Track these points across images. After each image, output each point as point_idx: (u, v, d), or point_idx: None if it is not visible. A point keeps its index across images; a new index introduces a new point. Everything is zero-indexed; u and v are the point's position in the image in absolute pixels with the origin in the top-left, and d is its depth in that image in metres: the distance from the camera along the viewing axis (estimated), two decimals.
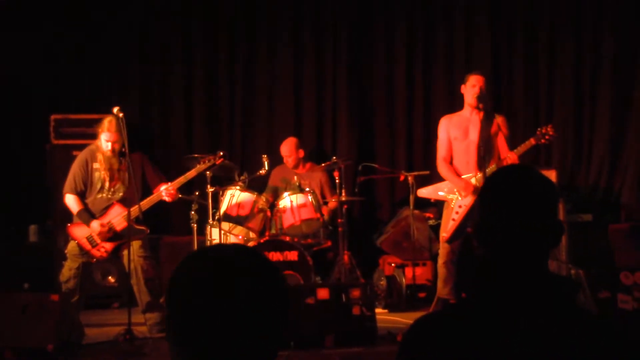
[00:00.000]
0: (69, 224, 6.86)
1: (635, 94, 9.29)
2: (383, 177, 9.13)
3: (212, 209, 7.55)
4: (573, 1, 9.47)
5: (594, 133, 9.46)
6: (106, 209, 6.80)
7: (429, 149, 7.70)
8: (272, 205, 7.86)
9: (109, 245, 6.78)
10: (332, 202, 8.28)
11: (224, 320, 1.55)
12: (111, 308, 8.22)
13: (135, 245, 6.78)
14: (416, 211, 8.08)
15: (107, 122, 6.74)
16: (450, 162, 7.27)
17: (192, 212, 7.61)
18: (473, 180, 7.05)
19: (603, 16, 9.42)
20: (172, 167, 7.89)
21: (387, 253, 8.55)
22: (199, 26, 9.47)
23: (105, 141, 6.77)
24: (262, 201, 7.63)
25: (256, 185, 8.26)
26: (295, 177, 8.12)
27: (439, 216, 7.68)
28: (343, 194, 7.83)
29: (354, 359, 5.72)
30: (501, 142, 7.22)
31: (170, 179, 7.00)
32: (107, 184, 6.82)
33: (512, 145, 7.23)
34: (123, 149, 6.65)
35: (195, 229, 7.63)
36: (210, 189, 7.47)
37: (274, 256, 7.30)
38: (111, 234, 6.76)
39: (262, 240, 7.41)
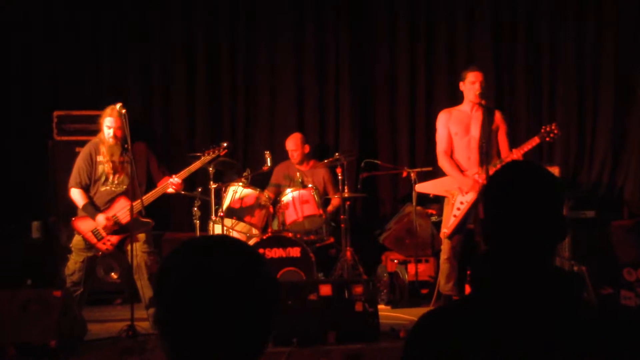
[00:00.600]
0: (73, 218, 6.85)
1: (638, 90, 9.27)
2: (385, 174, 9.12)
3: (215, 205, 7.55)
4: None
5: (597, 129, 9.45)
6: (111, 201, 6.81)
7: (432, 145, 7.69)
8: (275, 202, 7.86)
9: (114, 238, 6.78)
10: (335, 199, 8.27)
11: (208, 314, 1.55)
12: (114, 304, 8.22)
13: (139, 240, 6.78)
14: (419, 207, 8.07)
15: (110, 109, 6.75)
16: (451, 156, 7.27)
17: (195, 209, 7.61)
18: (476, 177, 7.05)
19: (605, 12, 9.40)
20: (174, 163, 7.88)
21: (390, 249, 8.54)
22: (200, 22, 9.45)
23: (107, 127, 6.75)
24: (265, 197, 7.64)
25: (258, 181, 8.26)
26: (298, 174, 8.12)
27: (441, 212, 7.68)
28: (346, 191, 7.82)
29: (357, 356, 5.72)
30: (502, 137, 7.22)
31: (173, 174, 7.00)
32: (110, 176, 6.83)
33: (511, 139, 7.23)
34: (126, 145, 6.64)
35: (197, 225, 7.63)
36: (213, 185, 7.48)
37: (277, 252, 7.30)
38: (117, 227, 6.76)
39: (264, 237, 7.41)
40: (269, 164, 7.79)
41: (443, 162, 7.30)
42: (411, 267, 8.06)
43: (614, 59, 9.33)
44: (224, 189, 7.55)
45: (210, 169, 7.39)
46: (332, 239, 8.09)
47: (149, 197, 6.83)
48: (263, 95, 9.55)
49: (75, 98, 8.79)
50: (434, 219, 8.40)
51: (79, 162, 6.89)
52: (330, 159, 7.97)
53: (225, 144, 7.22)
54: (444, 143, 7.30)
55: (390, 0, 9.59)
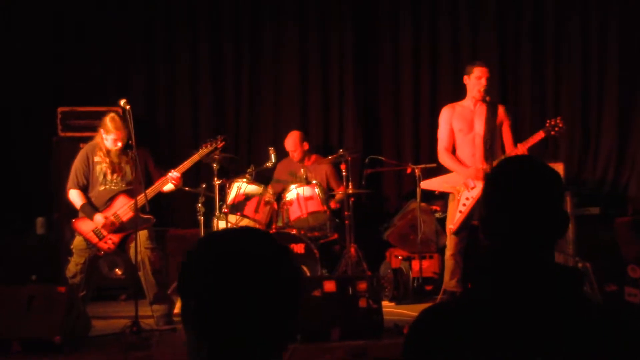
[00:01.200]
0: (74, 219, 6.86)
1: None
2: (390, 170, 9.12)
3: (219, 201, 7.56)
4: None
5: (601, 126, 9.44)
6: (111, 200, 6.80)
7: (436, 141, 7.69)
8: (279, 198, 7.85)
9: (116, 237, 6.78)
10: (339, 194, 8.27)
11: (234, 305, 1.55)
12: (118, 300, 8.24)
13: (142, 236, 6.77)
14: (423, 204, 8.06)
15: (110, 122, 6.72)
16: (453, 153, 7.26)
17: (199, 205, 7.61)
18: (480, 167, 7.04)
19: (610, 10, 9.38)
20: (177, 160, 7.87)
21: (394, 246, 8.54)
22: (204, 19, 9.46)
23: (112, 141, 6.75)
24: (269, 194, 7.64)
25: (262, 177, 8.26)
26: (302, 170, 8.12)
27: (445, 209, 7.67)
28: (350, 187, 7.82)
29: (361, 352, 5.71)
30: (506, 132, 7.21)
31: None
32: (108, 176, 6.81)
33: (516, 136, 7.21)
34: (130, 142, 6.63)
35: (202, 221, 7.64)
36: (217, 181, 7.48)
37: None
38: (117, 225, 6.76)
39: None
40: (273, 160, 7.79)
41: (444, 158, 7.29)
42: (415, 264, 8.05)
43: (618, 56, 9.31)
44: (228, 185, 7.55)
45: (214, 165, 7.39)
46: (336, 236, 8.09)
47: (149, 192, 6.80)
48: (267, 92, 9.55)
49: (79, 94, 8.79)
50: (438, 215, 8.39)
51: (76, 164, 6.90)
52: (335, 155, 7.96)
53: (221, 137, 7.22)
54: (445, 140, 7.29)
55: None
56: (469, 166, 7.13)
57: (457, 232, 7.10)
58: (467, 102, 7.27)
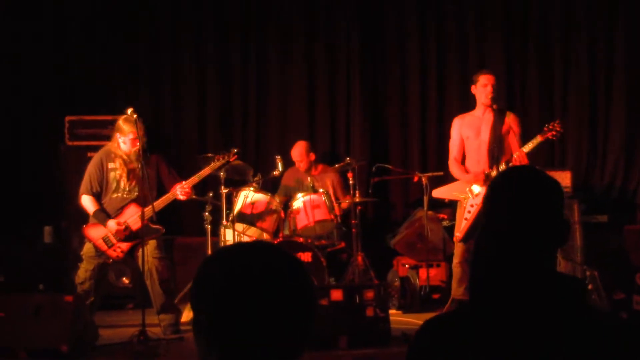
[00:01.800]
0: (84, 225, 6.86)
1: None
2: (397, 178, 9.12)
3: (226, 210, 7.56)
4: None
5: (609, 133, 9.42)
6: (122, 208, 6.81)
7: (443, 149, 7.69)
8: (286, 206, 7.85)
9: (125, 246, 6.78)
10: (344, 203, 8.26)
11: (248, 319, 1.55)
12: (125, 309, 8.23)
13: (150, 246, 6.77)
14: (430, 212, 8.06)
15: (124, 123, 6.70)
16: (463, 162, 7.27)
17: (206, 213, 7.62)
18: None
19: (617, 15, 9.37)
20: (185, 167, 7.89)
21: (401, 254, 8.52)
22: (210, 27, 9.48)
23: (131, 141, 6.73)
24: (276, 202, 7.63)
25: (269, 186, 8.26)
26: (309, 178, 8.11)
27: (453, 217, 7.66)
28: (357, 195, 7.81)
29: None
30: (512, 141, 7.20)
31: (183, 179, 6.99)
32: (122, 184, 6.81)
33: (523, 143, 7.21)
34: (140, 151, 6.63)
35: (209, 230, 7.64)
36: (224, 190, 7.48)
37: None
38: (127, 234, 6.76)
39: (275, 242, 7.40)
40: (279, 169, 7.79)
41: (453, 168, 7.31)
42: (422, 272, 8.04)
43: (626, 61, 9.29)
44: (235, 193, 7.55)
45: (222, 174, 7.40)
46: (343, 244, 8.08)
47: (160, 203, 6.83)
48: (274, 101, 9.57)
49: (87, 103, 8.81)
50: (445, 223, 8.37)
51: (90, 169, 6.88)
52: (342, 164, 7.96)
53: (235, 150, 7.21)
54: (455, 150, 7.32)
55: (400, 4, 9.58)
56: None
57: (463, 240, 7.09)
58: (477, 111, 7.30)
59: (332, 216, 7.60)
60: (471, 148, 7.22)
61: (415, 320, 7.05)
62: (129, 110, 6.55)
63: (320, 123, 9.59)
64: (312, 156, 8.56)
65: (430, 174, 7.98)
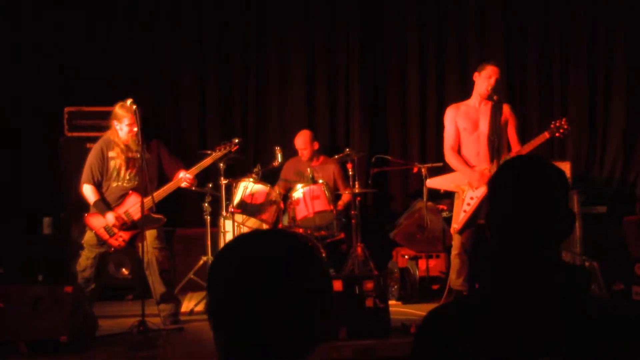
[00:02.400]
0: (86, 214, 6.83)
1: None
2: (396, 169, 9.11)
3: (226, 200, 7.56)
4: None
5: (609, 125, 9.43)
6: (123, 197, 6.77)
7: (442, 140, 7.68)
8: (286, 197, 7.84)
9: (126, 235, 6.76)
10: (345, 195, 8.26)
11: (259, 305, 1.56)
12: (125, 300, 8.23)
13: (150, 236, 6.77)
14: (430, 203, 8.06)
15: (120, 108, 6.67)
16: (458, 152, 7.24)
17: (206, 204, 7.62)
18: (486, 171, 7.03)
19: (617, 7, 9.36)
20: (185, 160, 7.88)
21: (401, 245, 8.53)
22: (210, 19, 9.46)
23: (128, 126, 6.70)
24: (275, 193, 7.62)
25: (269, 177, 8.26)
26: (309, 169, 8.10)
27: (452, 208, 7.66)
28: (356, 186, 7.81)
29: (367, 351, 5.72)
30: (511, 132, 7.19)
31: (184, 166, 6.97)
32: (122, 172, 6.78)
33: (523, 137, 7.20)
34: (138, 140, 6.61)
35: (208, 221, 7.64)
36: (223, 181, 7.48)
37: None
38: (129, 223, 6.76)
39: None
40: (279, 160, 7.79)
41: (450, 158, 7.27)
42: (422, 263, 8.05)
43: (625, 55, 9.29)
44: (234, 184, 7.54)
45: (221, 165, 7.39)
46: (342, 235, 8.09)
47: (162, 192, 6.81)
48: (274, 92, 9.55)
49: (86, 94, 8.79)
50: (444, 214, 8.38)
51: (91, 159, 6.86)
52: (341, 155, 7.95)
53: (236, 140, 7.21)
54: (451, 139, 7.28)
55: None
56: (473, 165, 7.12)
57: (461, 232, 7.10)
58: (472, 101, 7.25)
59: (332, 207, 7.60)
60: (468, 140, 7.19)
61: (415, 311, 7.06)
62: (129, 101, 6.54)
63: (319, 114, 9.57)
64: (316, 145, 8.56)
65: (429, 165, 7.97)
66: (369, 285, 6.06)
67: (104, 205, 6.76)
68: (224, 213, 7.57)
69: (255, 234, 1.72)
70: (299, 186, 7.66)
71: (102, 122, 7.20)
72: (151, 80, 9.40)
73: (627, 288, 7.08)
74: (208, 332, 1.64)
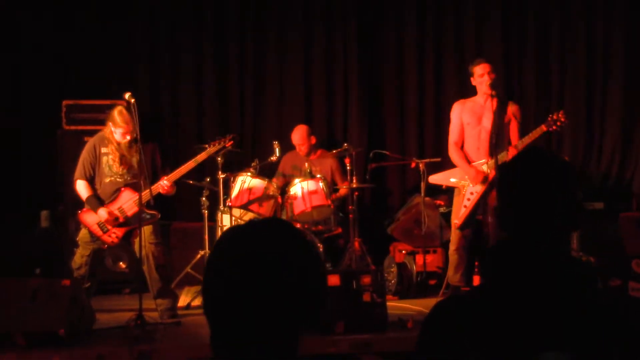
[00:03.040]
0: (79, 211, 6.83)
1: None
2: (394, 164, 9.12)
3: (223, 195, 7.56)
4: None
5: (606, 121, 9.44)
6: (116, 193, 6.76)
7: (440, 136, 7.69)
8: (283, 192, 7.85)
9: (120, 231, 6.76)
10: (343, 189, 8.26)
11: (255, 295, 1.57)
12: (122, 293, 8.24)
13: (147, 231, 6.74)
14: (427, 198, 8.06)
15: (118, 115, 6.65)
16: (461, 147, 7.26)
17: (203, 198, 7.62)
18: (485, 167, 7.04)
19: (615, 5, 9.37)
20: (182, 154, 7.88)
21: (398, 240, 8.54)
22: (208, 13, 9.44)
23: (121, 134, 6.70)
24: (273, 187, 7.62)
25: (266, 171, 8.27)
26: (307, 164, 8.10)
27: (449, 203, 7.68)
28: (354, 181, 7.81)
29: (364, 346, 5.73)
30: (513, 131, 7.20)
31: (177, 168, 6.91)
32: (114, 168, 6.77)
33: (523, 134, 7.20)
34: (135, 137, 6.61)
35: (206, 215, 7.64)
36: (221, 175, 7.48)
37: None
38: (122, 220, 6.75)
39: None
40: (277, 154, 7.79)
41: (452, 153, 7.29)
42: (419, 258, 8.06)
43: (623, 52, 9.30)
44: (232, 179, 7.54)
45: (219, 159, 7.38)
46: (340, 230, 8.09)
47: (147, 193, 6.73)
48: (271, 86, 9.54)
49: (84, 87, 8.78)
50: (442, 209, 8.39)
51: (84, 155, 6.86)
52: (339, 149, 7.95)
53: (231, 136, 7.20)
54: (455, 134, 7.30)
55: None
56: (473, 160, 7.14)
57: (461, 227, 7.11)
58: (478, 98, 7.27)
59: (330, 202, 7.60)
60: (470, 134, 7.22)
61: (412, 305, 7.07)
62: (127, 95, 6.49)
63: (317, 109, 9.57)
64: (313, 140, 8.56)
65: (427, 160, 7.97)
66: (366, 279, 6.07)
67: (97, 201, 6.75)
68: (221, 207, 7.57)
69: (248, 224, 1.72)
70: (296, 181, 7.67)
71: (100, 116, 7.20)
72: (148, 73, 9.37)
73: (623, 284, 7.09)
74: (205, 326, 1.64)
